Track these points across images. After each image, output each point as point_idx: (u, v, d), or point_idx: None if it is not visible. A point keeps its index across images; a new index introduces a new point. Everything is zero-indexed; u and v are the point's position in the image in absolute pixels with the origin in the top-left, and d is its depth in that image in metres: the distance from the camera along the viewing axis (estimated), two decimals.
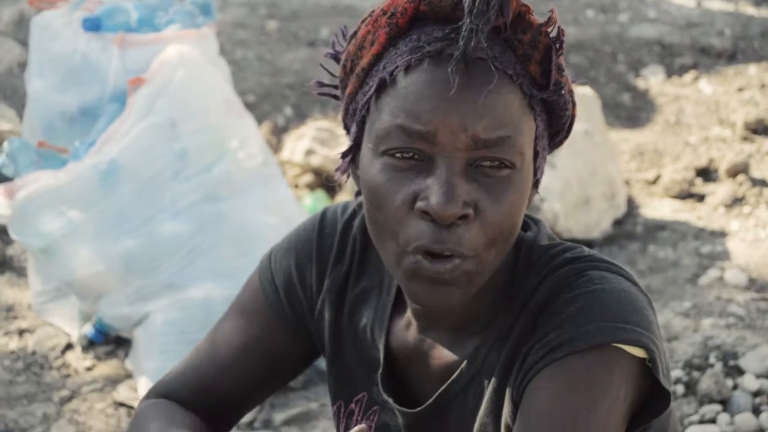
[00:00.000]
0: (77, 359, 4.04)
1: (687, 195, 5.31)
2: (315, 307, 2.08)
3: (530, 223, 1.95)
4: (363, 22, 1.80)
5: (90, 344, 4.09)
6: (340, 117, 5.28)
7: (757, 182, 5.31)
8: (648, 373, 1.77)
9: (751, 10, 7.32)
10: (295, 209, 4.20)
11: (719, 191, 5.27)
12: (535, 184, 1.84)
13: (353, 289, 2.05)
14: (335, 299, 2.05)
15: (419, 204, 1.70)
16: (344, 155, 1.88)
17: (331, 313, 2.06)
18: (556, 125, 1.83)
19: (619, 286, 1.79)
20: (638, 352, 1.74)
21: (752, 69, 6.47)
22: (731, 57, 6.66)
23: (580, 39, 6.63)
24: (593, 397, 1.71)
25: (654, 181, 5.43)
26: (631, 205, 5.24)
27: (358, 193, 1.90)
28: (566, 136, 1.88)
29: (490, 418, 1.85)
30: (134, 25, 4.22)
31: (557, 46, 1.74)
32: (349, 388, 2.05)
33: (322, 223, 2.10)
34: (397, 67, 1.73)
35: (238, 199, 4.00)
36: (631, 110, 6.10)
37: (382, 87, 1.75)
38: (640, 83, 6.38)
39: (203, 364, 2.13)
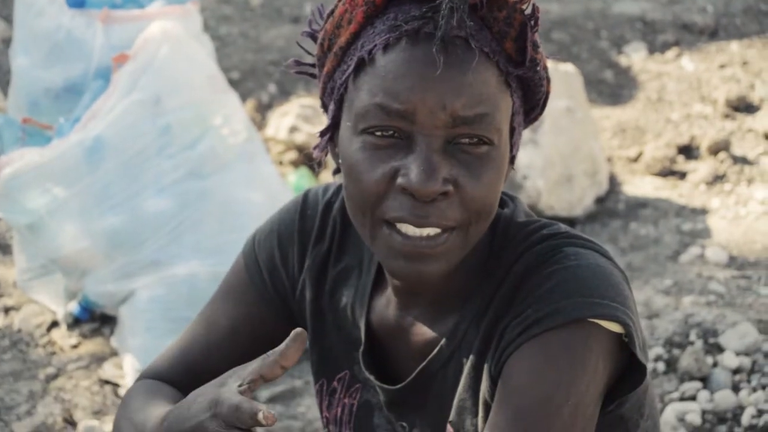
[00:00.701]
0: (63, 337, 4.05)
1: (668, 172, 5.33)
2: (297, 287, 2.10)
3: (507, 199, 1.97)
4: (340, 0, 1.82)
5: (75, 322, 4.10)
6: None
7: (738, 160, 5.33)
8: (624, 347, 1.80)
9: None
10: (279, 186, 4.21)
11: (701, 169, 5.29)
12: (511, 160, 1.86)
13: (334, 268, 2.07)
14: (316, 278, 2.08)
15: (399, 180, 1.72)
16: (322, 133, 1.90)
17: (312, 292, 2.08)
18: (532, 101, 1.86)
19: (594, 261, 1.81)
20: (615, 327, 1.77)
21: (734, 46, 6.49)
22: (713, 34, 6.67)
23: (563, 15, 6.64)
24: (572, 372, 1.73)
25: (636, 159, 5.45)
26: (613, 183, 5.27)
27: (335, 171, 1.93)
28: (541, 112, 1.91)
29: (468, 394, 1.88)
30: (118, 2, 4.22)
31: (532, 23, 1.76)
32: (331, 366, 2.08)
33: (304, 204, 2.12)
34: (375, 45, 1.74)
35: (222, 176, 4.00)
36: (613, 87, 6.12)
37: (360, 66, 1.77)
38: (623, 60, 6.39)
39: (191, 346, 2.15)
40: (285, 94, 5.94)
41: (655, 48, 6.51)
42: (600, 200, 5.14)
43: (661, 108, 5.89)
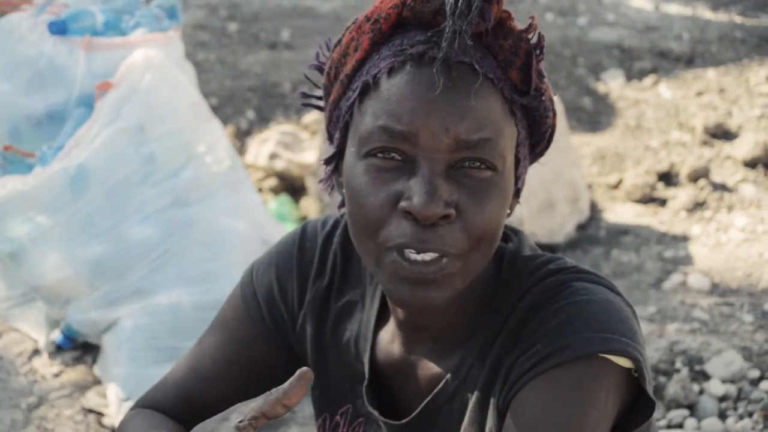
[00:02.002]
0: (44, 365, 4.02)
1: (649, 199, 5.35)
2: (297, 321, 2.09)
3: (511, 234, 1.96)
4: (347, 29, 1.82)
5: (57, 350, 4.07)
6: (303, 121, 5.25)
7: (717, 187, 5.36)
8: (632, 382, 1.79)
9: (708, 15, 7.40)
10: (263, 214, 4.20)
11: (681, 196, 5.31)
12: (517, 193, 1.85)
13: (336, 302, 2.06)
14: (317, 313, 2.07)
15: (402, 204, 1.71)
16: (327, 161, 1.89)
17: (313, 327, 2.07)
18: (537, 134, 1.85)
19: (603, 296, 1.81)
20: (624, 362, 1.76)
21: (710, 73, 6.53)
22: (689, 61, 6.72)
23: None
24: (582, 407, 1.72)
25: (616, 186, 5.46)
26: (594, 210, 5.28)
27: (341, 205, 1.92)
28: (547, 147, 1.90)
29: (473, 428, 1.86)
30: (100, 29, 4.20)
31: (537, 52, 1.76)
32: (334, 400, 2.06)
33: (303, 237, 2.11)
34: (380, 70, 1.74)
35: (206, 204, 3.99)
36: (591, 114, 6.14)
37: (365, 91, 1.76)
38: (601, 87, 6.43)
39: (187, 377, 2.13)
40: (264, 120, 5.93)
41: (632, 75, 6.56)
42: (581, 227, 5.15)
43: (639, 135, 5.92)
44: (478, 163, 1.73)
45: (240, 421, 1.66)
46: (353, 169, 1.77)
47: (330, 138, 1.90)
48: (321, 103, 1.93)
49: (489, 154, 1.73)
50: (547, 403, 1.73)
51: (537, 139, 1.87)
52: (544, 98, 1.81)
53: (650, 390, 1.80)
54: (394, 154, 1.73)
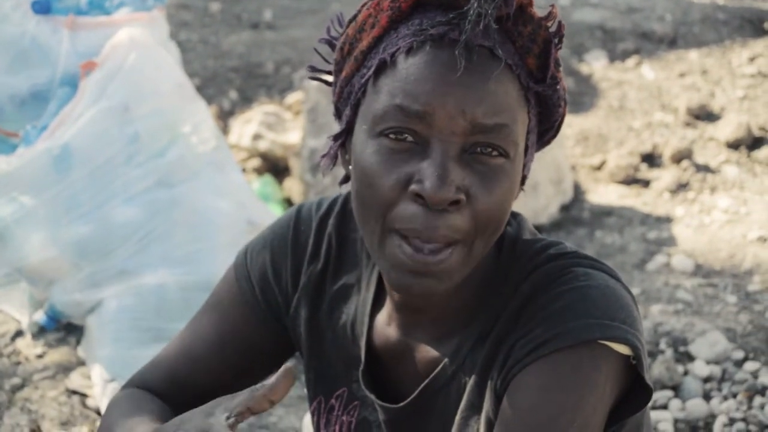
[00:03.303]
0: (28, 346, 4.00)
1: (632, 180, 5.36)
2: (291, 304, 2.08)
3: (510, 218, 1.95)
4: (364, 5, 1.80)
5: (40, 331, 4.05)
6: (286, 101, 5.20)
7: (700, 168, 5.37)
8: (629, 369, 1.79)
9: None
10: (248, 194, 4.18)
11: (664, 177, 5.32)
12: (522, 180, 1.84)
13: (331, 286, 2.05)
14: (312, 297, 2.06)
15: (413, 187, 1.70)
16: (335, 138, 1.87)
17: (307, 310, 2.06)
18: (547, 122, 1.84)
19: (604, 283, 1.80)
20: (623, 349, 1.76)
21: (693, 54, 6.54)
22: (672, 42, 6.72)
23: None
24: (579, 393, 1.72)
25: (599, 167, 5.47)
26: (578, 191, 5.28)
27: (343, 181, 1.90)
28: (555, 135, 1.89)
29: (471, 411, 1.86)
30: (84, 8, 4.18)
31: (556, 40, 1.75)
32: (329, 383, 2.06)
33: (297, 220, 2.10)
34: (398, 48, 1.72)
35: (191, 184, 3.97)
36: (574, 95, 6.14)
37: (381, 68, 1.74)
38: (584, 68, 6.42)
39: (178, 356, 2.13)
40: (246, 100, 5.92)
41: (615, 56, 6.56)
42: (565, 208, 5.15)
43: (622, 116, 5.92)
44: (490, 149, 1.72)
45: (227, 418, 1.63)
46: (364, 147, 1.75)
47: (338, 114, 1.89)
48: (329, 78, 1.92)
49: (503, 140, 1.71)
50: (544, 388, 1.73)
51: (546, 127, 1.86)
52: (558, 87, 1.80)
53: (648, 377, 1.79)
54: (407, 135, 1.71)
